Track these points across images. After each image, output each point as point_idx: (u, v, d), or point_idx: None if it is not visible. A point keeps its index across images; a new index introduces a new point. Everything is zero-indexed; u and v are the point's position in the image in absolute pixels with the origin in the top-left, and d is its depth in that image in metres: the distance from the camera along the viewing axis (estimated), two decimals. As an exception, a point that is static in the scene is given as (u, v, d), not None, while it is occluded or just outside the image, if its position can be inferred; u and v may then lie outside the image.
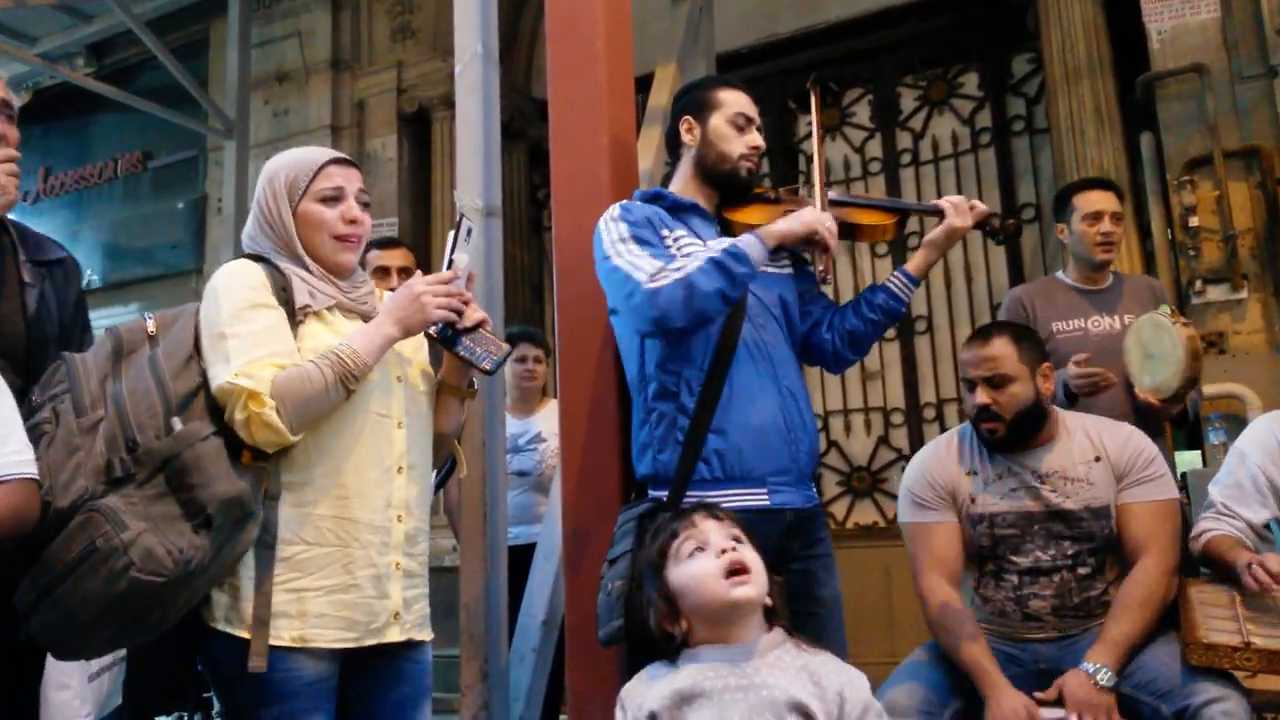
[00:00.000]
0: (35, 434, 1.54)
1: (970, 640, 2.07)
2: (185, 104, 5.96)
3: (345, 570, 1.61)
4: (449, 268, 1.76)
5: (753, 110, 2.14)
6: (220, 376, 1.55)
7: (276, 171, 1.77)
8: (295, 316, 1.65)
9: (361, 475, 1.65)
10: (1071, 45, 4.25)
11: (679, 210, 2.08)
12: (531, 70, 5.76)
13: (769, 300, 2.08)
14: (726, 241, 1.91)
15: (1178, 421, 2.83)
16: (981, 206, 2.17)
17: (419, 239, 5.46)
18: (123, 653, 3.09)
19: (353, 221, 1.74)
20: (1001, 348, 2.21)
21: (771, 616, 1.54)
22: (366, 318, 1.75)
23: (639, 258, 1.90)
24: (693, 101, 2.16)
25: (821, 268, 2.04)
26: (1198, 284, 3.81)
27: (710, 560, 1.53)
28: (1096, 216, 2.88)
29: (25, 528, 1.55)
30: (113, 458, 1.51)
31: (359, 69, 5.94)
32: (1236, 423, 3.47)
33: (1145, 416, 2.64)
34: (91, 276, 6.86)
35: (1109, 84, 4.19)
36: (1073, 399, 2.65)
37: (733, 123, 2.11)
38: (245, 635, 1.55)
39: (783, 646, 1.51)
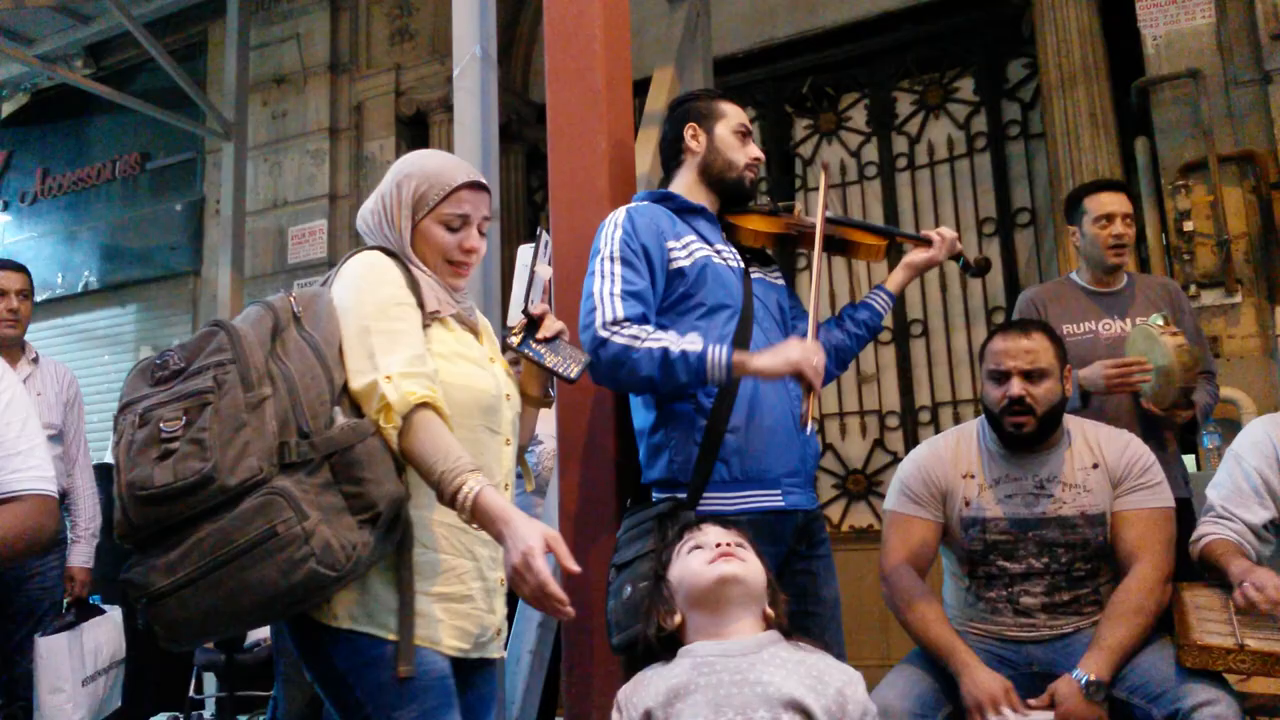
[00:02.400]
0: (197, 401, 1.44)
1: (936, 621, 2.11)
2: (183, 106, 5.96)
3: (459, 580, 1.58)
4: (530, 280, 1.77)
5: (749, 124, 2.22)
6: (364, 374, 1.50)
7: (409, 176, 1.69)
8: (424, 320, 1.61)
9: None
10: (1067, 50, 4.27)
11: (686, 212, 2.09)
12: (529, 73, 5.77)
13: (770, 304, 2.11)
14: (698, 344, 1.87)
15: (1189, 428, 2.81)
16: (957, 244, 2.32)
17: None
18: (121, 656, 3.11)
19: (470, 250, 1.70)
20: (1041, 341, 2.21)
21: (774, 624, 1.55)
22: (474, 331, 1.73)
23: (613, 293, 1.94)
24: (697, 110, 2.19)
25: (803, 409, 1.92)
26: (1192, 289, 3.83)
27: (704, 554, 1.57)
28: (1108, 219, 2.87)
29: (40, 544, 1.58)
30: (287, 440, 1.43)
31: (357, 72, 5.95)
32: (1231, 427, 3.48)
33: (1150, 424, 2.65)
34: (89, 278, 6.87)
35: (1104, 89, 4.21)
36: (1085, 401, 2.65)
37: (736, 133, 2.16)
38: (376, 633, 1.49)
39: (779, 644, 1.51)
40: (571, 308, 2.27)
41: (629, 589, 1.83)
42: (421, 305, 1.61)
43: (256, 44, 6.10)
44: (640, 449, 2.07)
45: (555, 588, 1.40)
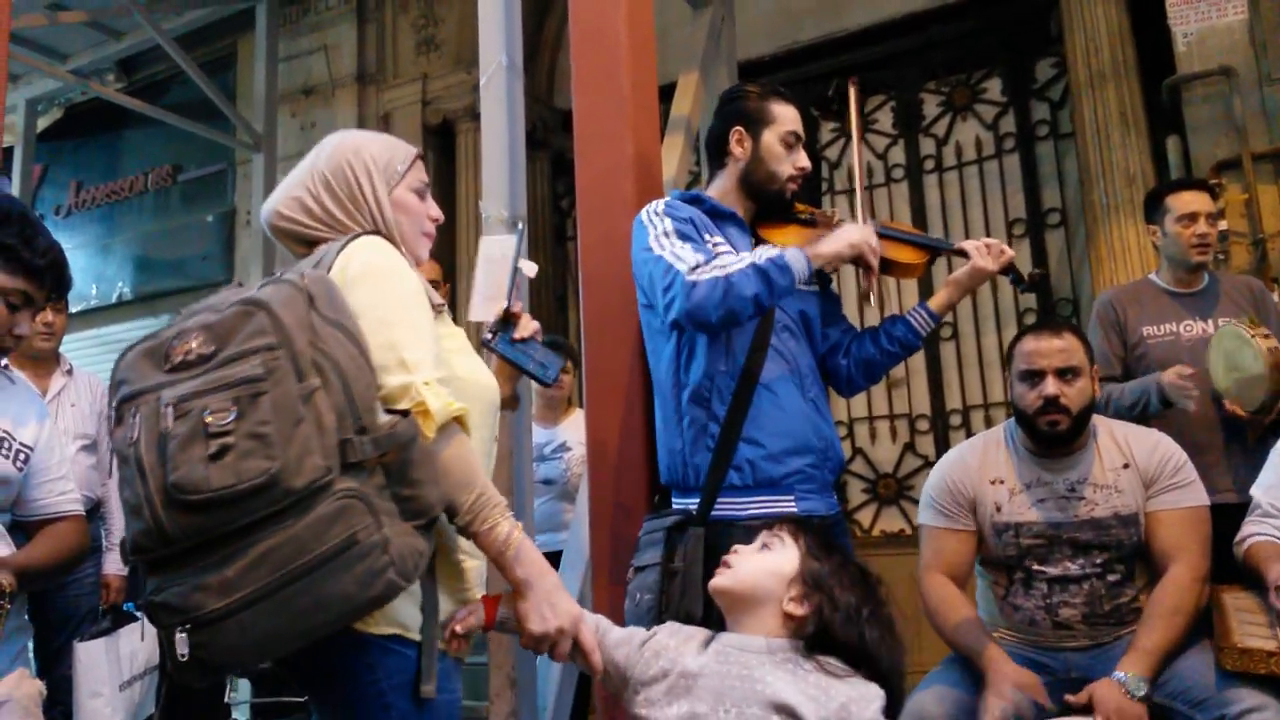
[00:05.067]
0: (251, 390, 1.24)
1: (970, 625, 2.09)
2: (214, 118, 6.04)
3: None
4: (514, 275, 1.75)
5: (801, 128, 2.13)
6: (393, 373, 1.34)
7: (361, 148, 1.55)
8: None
9: None
10: (1096, 49, 4.22)
11: (717, 216, 2.08)
12: (554, 80, 5.79)
13: (793, 313, 2.09)
14: (774, 250, 1.91)
15: (1274, 431, 2.75)
16: (1010, 252, 2.16)
17: (444, 250, 5.49)
18: (155, 662, 3.14)
19: (436, 219, 1.62)
20: (1071, 341, 2.20)
21: (800, 627, 1.46)
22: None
23: (683, 250, 1.92)
24: (747, 112, 2.12)
25: (864, 284, 2.04)
26: (1228, 288, 3.77)
27: None
28: (1192, 218, 2.83)
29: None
30: (348, 437, 1.26)
31: (384, 82, 5.99)
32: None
33: (1233, 427, 2.61)
34: (123, 289, 6.95)
35: (1134, 88, 4.16)
36: (1168, 404, 2.61)
37: (784, 141, 2.10)
38: (416, 638, 1.38)
39: (797, 655, 1.42)
40: (600, 311, 2.28)
41: (638, 596, 1.87)
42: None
43: (285, 56, 6.16)
44: (659, 448, 2.08)
45: (598, 656, 1.42)
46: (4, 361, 1.80)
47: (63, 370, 3.33)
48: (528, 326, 1.72)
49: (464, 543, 1.44)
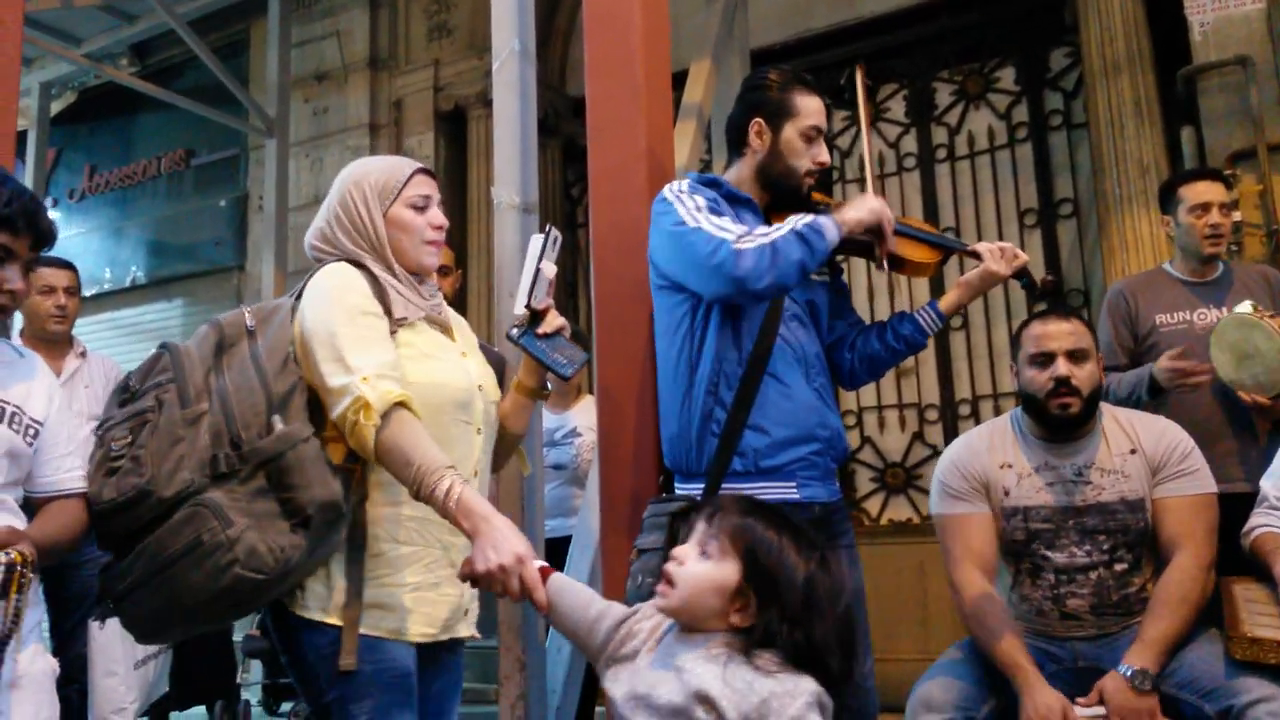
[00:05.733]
0: (139, 420, 1.55)
1: (1006, 636, 2.05)
2: (227, 103, 6.05)
3: (427, 569, 1.66)
4: (535, 276, 1.82)
5: (824, 120, 2.11)
6: (336, 375, 1.57)
7: (365, 175, 1.79)
8: (391, 327, 1.68)
9: None
10: (1110, 38, 4.20)
11: (734, 201, 2.07)
12: (566, 67, 5.78)
13: (801, 302, 2.09)
14: (807, 216, 1.93)
15: None
16: (1023, 256, 2.17)
17: (455, 236, 5.49)
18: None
19: (440, 227, 1.81)
20: (1079, 325, 2.21)
21: (745, 633, 1.39)
22: (444, 329, 1.81)
23: (722, 222, 1.93)
24: (769, 104, 2.09)
25: (878, 252, 2.06)
26: (1240, 280, 3.76)
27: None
28: (1205, 208, 2.82)
29: (83, 541, 1.65)
30: (218, 452, 1.52)
31: (396, 68, 5.99)
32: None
33: (1245, 417, 2.60)
34: (136, 273, 6.99)
35: (1149, 77, 4.14)
36: (1157, 393, 2.61)
37: (805, 135, 2.07)
38: (339, 624, 1.59)
39: (732, 650, 1.38)
40: (611, 298, 2.29)
41: (640, 578, 1.87)
42: (389, 313, 1.68)
43: (298, 41, 6.16)
44: (662, 433, 2.09)
45: (542, 593, 1.49)
46: (15, 337, 1.82)
47: (76, 353, 3.36)
48: (553, 323, 1.84)
49: (396, 532, 1.64)
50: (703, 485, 1.96)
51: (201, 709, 3.88)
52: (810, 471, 2.00)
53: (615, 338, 2.27)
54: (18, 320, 3.35)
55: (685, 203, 1.98)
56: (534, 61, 2.73)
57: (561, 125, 5.70)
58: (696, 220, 1.94)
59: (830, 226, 1.93)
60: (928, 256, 2.17)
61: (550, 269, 1.83)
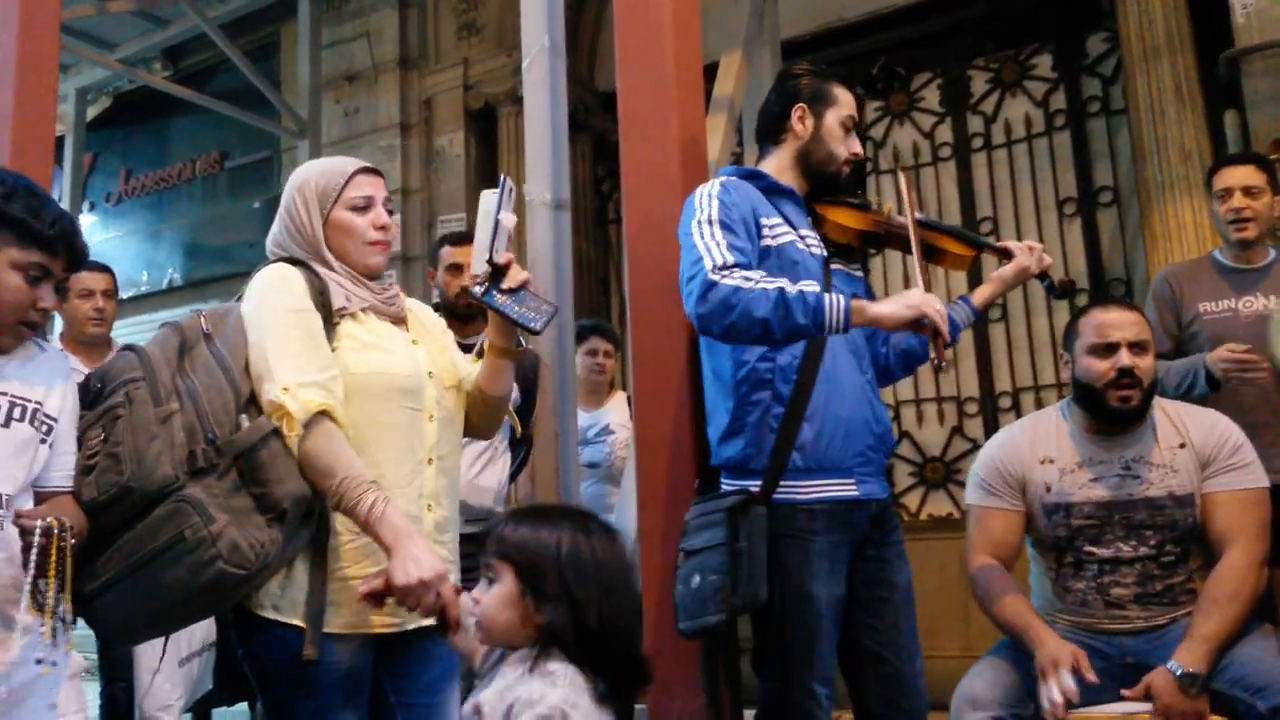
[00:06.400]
0: (111, 417, 1.58)
1: (1010, 599, 2.06)
2: (259, 105, 6.09)
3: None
4: (495, 229, 1.76)
5: (857, 113, 2.13)
6: (261, 382, 1.61)
7: (307, 180, 1.81)
8: (332, 319, 1.70)
9: (396, 468, 1.70)
10: (1149, 22, 4.11)
11: (774, 193, 2.05)
12: (595, 62, 5.76)
13: (849, 294, 2.03)
14: (815, 287, 1.83)
15: None
16: (1048, 260, 2.19)
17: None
18: (213, 639, 3.20)
19: (382, 228, 1.81)
20: (1140, 315, 2.19)
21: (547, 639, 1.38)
22: (396, 320, 1.82)
23: (718, 244, 1.87)
24: (811, 91, 2.10)
25: (934, 355, 1.86)
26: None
27: None
28: (1227, 193, 2.78)
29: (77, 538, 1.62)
30: (195, 448, 1.54)
31: (426, 67, 6.00)
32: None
33: None
34: (172, 274, 7.06)
35: (1189, 61, 4.05)
36: (1214, 385, 2.56)
37: (844, 124, 2.09)
38: (295, 623, 1.60)
39: (529, 656, 1.39)
40: (645, 293, 2.27)
41: (697, 579, 1.83)
42: (328, 305, 1.69)
43: (328, 42, 6.20)
44: (710, 431, 2.05)
45: (457, 609, 1.54)
46: (54, 340, 1.83)
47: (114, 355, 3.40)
48: (516, 277, 1.78)
49: (345, 524, 1.64)
50: (759, 482, 1.92)
51: (245, 706, 3.91)
52: (867, 468, 1.99)
53: (651, 333, 2.25)
54: (57, 323, 3.38)
55: (703, 208, 1.95)
56: (564, 57, 2.72)
57: (591, 121, 5.68)
58: (699, 231, 1.90)
59: (836, 313, 1.79)
60: (964, 250, 2.19)
61: (510, 219, 1.78)
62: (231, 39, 5.91)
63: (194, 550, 1.49)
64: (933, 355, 1.86)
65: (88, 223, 7.50)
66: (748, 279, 1.81)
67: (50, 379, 1.67)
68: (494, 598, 1.40)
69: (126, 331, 6.17)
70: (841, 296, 1.81)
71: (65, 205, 6.49)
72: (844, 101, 2.10)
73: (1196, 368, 2.62)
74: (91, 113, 7.16)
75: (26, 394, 1.61)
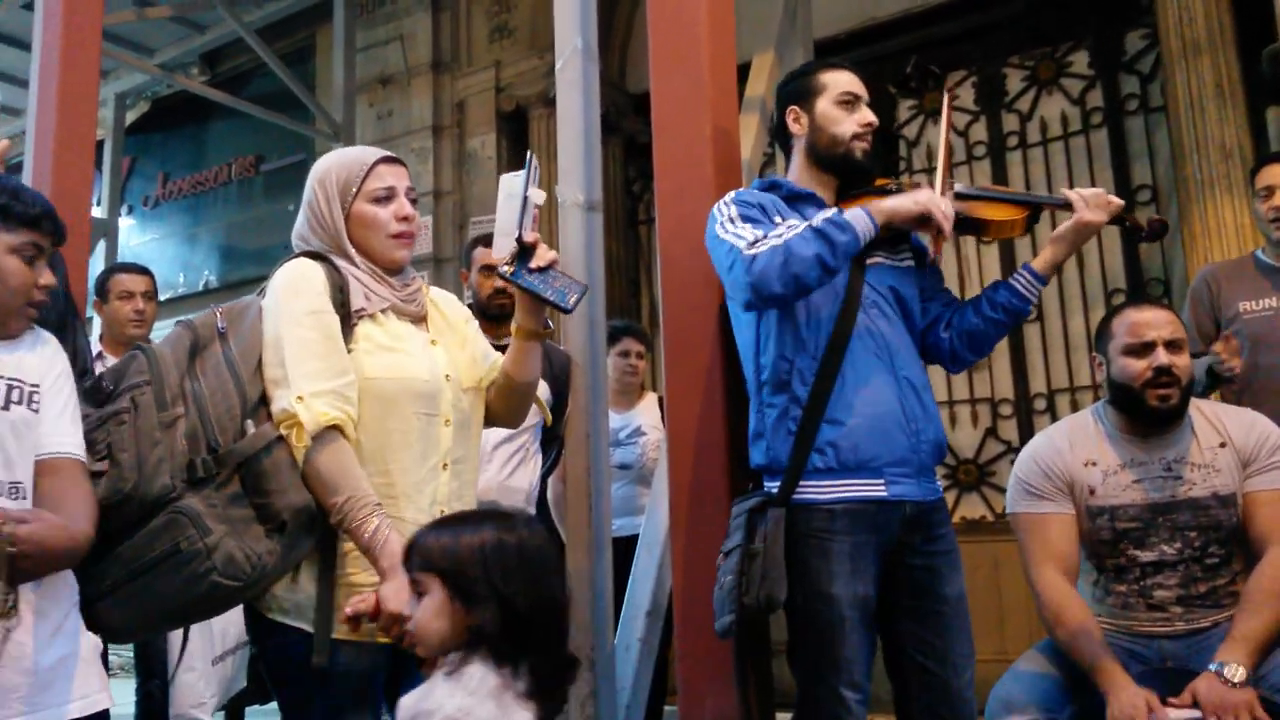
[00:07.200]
0: (115, 421, 1.57)
1: (1088, 636, 2.00)
2: (294, 109, 6.16)
3: None
4: (523, 206, 1.74)
5: (859, 87, 2.08)
6: (279, 399, 1.59)
7: (328, 172, 1.78)
8: (350, 320, 1.67)
9: (407, 476, 1.68)
10: (1189, 18, 4.05)
11: (796, 200, 2.04)
12: (626, 63, 5.76)
13: (881, 290, 2.02)
14: (830, 211, 1.89)
15: None
16: (1117, 201, 2.02)
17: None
18: (246, 637, 3.22)
19: (405, 219, 1.77)
20: (1175, 315, 2.15)
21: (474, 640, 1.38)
22: (416, 319, 1.79)
23: (743, 230, 1.90)
24: (796, 90, 2.12)
25: (933, 251, 2.00)
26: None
27: None
28: (1269, 191, 2.75)
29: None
30: (195, 458, 1.54)
31: (458, 70, 6.04)
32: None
33: None
34: (209, 277, 7.15)
35: (1231, 57, 3.98)
36: (1215, 382, 2.52)
37: (840, 103, 2.05)
38: (305, 628, 1.59)
39: (458, 661, 1.38)
40: (679, 294, 2.26)
41: (721, 580, 1.85)
42: (347, 304, 1.66)
43: (362, 46, 6.25)
44: (750, 435, 2.06)
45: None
46: (95, 342, 1.83)
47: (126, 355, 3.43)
48: (544, 256, 1.76)
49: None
50: (780, 484, 1.92)
51: (277, 704, 3.95)
52: (900, 468, 1.93)
53: (684, 334, 2.25)
54: (96, 325, 3.43)
55: (722, 212, 1.97)
56: (596, 59, 2.72)
57: (622, 122, 5.69)
58: (724, 230, 1.92)
59: (859, 218, 1.86)
60: (1012, 214, 2.06)
61: (538, 195, 1.75)
62: (267, 44, 5.98)
63: (189, 562, 1.50)
64: (931, 255, 1.99)
65: (126, 225, 7.62)
66: (779, 236, 1.85)
67: (40, 360, 1.60)
68: (425, 610, 1.40)
69: (163, 334, 6.24)
70: (857, 209, 1.89)
71: (104, 208, 6.61)
72: (833, 83, 2.06)
73: (1203, 365, 2.60)
74: (130, 117, 7.27)
75: (19, 376, 1.57)
